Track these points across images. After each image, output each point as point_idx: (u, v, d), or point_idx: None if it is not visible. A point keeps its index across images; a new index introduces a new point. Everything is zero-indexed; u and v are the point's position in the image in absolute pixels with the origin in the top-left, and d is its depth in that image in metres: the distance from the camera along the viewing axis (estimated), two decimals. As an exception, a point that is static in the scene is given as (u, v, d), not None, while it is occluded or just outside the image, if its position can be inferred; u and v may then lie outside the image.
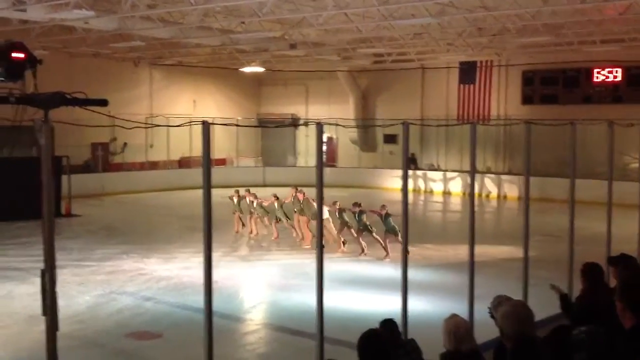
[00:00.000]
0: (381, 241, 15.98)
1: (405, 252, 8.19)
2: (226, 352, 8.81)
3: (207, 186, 6.32)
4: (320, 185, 7.38)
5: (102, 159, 30.15)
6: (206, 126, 6.32)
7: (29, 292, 11.72)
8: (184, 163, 32.58)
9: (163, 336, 10.51)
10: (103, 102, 6.08)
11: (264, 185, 28.52)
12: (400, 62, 31.39)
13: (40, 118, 5.57)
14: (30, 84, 5.58)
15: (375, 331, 4.84)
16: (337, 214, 16.85)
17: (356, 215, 16.40)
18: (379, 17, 20.75)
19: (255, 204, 18.56)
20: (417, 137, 31.34)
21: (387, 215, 15.97)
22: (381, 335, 4.84)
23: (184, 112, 30.73)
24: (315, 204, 14.80)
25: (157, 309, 12.02)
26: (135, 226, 21.72)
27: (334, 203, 16.90)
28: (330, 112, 32.15)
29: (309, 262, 10.96)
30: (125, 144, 31.00)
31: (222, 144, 30.42)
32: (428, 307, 11.14)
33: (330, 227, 16.64)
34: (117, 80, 30.78)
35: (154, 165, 32.07)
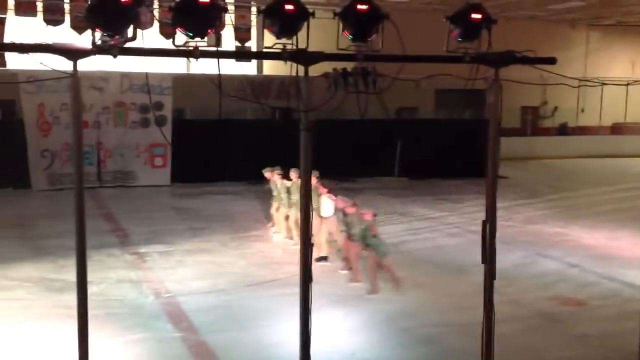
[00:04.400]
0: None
1: None
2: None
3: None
4: None
5: (531, 123, 30.24)
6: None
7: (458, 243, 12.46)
8: (616, 129, 30.76)
9: (587, 305, 10.21)
10: (551, 60, 6.06)
11: None
12: None
13: (491, 76, 5.80)
14: (484, 42, 5.81)
15: None
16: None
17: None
18: None
19: None
20: None
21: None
22: None
23: (620, 74, 28.86)
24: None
25: (582, 277, 11.70)
26: (559, 190, 21.35)
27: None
28: None
29: None
30: (555, 107, 30.52)
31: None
32: None
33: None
34: (551, 42, 30.23)
35: (583, 130, 30.99)
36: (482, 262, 5.80)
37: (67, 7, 20.27)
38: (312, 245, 5.70)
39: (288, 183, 12.85)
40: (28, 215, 15.64)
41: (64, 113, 18.68)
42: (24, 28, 19.96)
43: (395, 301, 10.03)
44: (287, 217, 13.10)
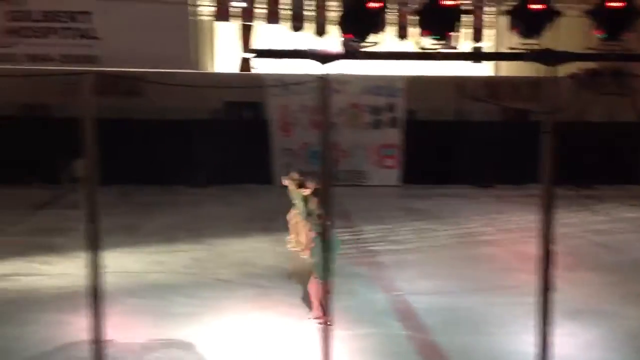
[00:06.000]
0: None
1: None
2: None
3: None
4: None
5: None
6: None
7: None
8: None
9: None
10: None
11: None
12: None
13: None
14: None
15: None
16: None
17: None
18: None
19: None
20: None
21: None
22: None
23: None
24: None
25: None
26: None
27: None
28: None
29: None
30: None
31: None
32: None
33: None
34: None
35: None
36: None
37: (309, 14, 21.46)
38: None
39: (305, 191, 12.09)
40: (270, 210, 16.80)
41: (304, 115, 19.78)
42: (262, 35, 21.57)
43: (637, 317, 9.29)
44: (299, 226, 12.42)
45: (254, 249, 13.01)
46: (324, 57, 4.90)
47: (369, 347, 8.40)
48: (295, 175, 12.50)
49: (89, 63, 21.89)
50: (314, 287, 9.14)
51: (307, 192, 11.96)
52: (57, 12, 22.15)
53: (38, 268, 11.54)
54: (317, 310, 9.09)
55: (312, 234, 9.71)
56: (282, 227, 14.65)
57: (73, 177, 13.90)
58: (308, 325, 8.81)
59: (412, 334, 8.80)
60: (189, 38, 22.37)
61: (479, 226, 15.06)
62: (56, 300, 9.81)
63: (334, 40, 21.96)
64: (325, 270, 8.88)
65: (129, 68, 21.11)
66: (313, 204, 11.30)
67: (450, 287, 10.71)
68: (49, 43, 22.32)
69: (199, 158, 19.05)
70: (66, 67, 21.71)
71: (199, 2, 22.79)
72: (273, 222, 15.07)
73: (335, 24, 21.74)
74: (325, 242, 9.08)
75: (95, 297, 4.42)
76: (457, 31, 5.39)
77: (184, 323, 9.10)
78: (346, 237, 13.77)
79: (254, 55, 21.16)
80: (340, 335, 8.44)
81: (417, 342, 8.56)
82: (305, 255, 10.57)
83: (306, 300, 9.56)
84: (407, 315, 9.48)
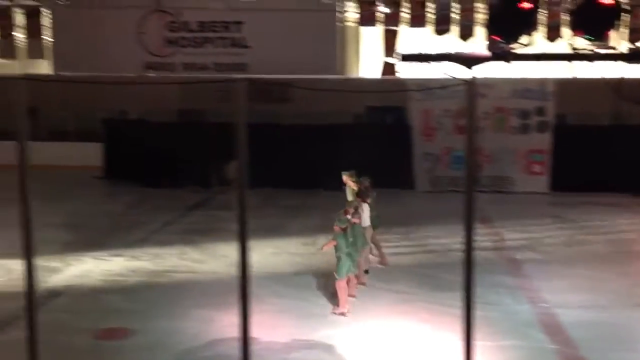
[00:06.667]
0: None
1: None
2: None
3: None
4: None
5: None
6: None
7: None
8: None
9: None
10: None
11: None
12: None
13: None
14: None
15: None
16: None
17: None
18: None
19: None
20: None
21: None
22: None
23: None
24: None
25: None
26: None
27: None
28: None
29: None
30: None
31: None
32: None
33: None
34: None
35: None
36: None
37: (454, 17, 21.16)
38: None
39: (352, 185, 11.71)
40: (412, 215, 16.71)
41: (447, 119, 19.51)
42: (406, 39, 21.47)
43: None
44: None
45: (394, 254, 12.99)
46: (472, 60, 4.80)
47: (515, 359, 8.14)
48: (353, 174, 12.08)
49: (239, 70, 22.91)
50: (341, 284, 9.45)
51: (352, 185, 11.74)
52: (213, 23, 23.33)
53: (191, 266, 12.17)
54: (343, 306, 9.47)
55: (336, 229, 9.51)
56: (425, 232, 14.56)
57: (224, 180, 14.54)
58: (449, 334, 8.68)
59: (559, 348, 8.43)
60: (336, 44, 22.78)
61: (632, 237, 14.15)
62: (207, 297, 10.30)
63: (479, 43, 21.55)
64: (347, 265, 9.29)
65: (276, 74, 21.86)
66: (355, 202, 11.05)
67: (600, 300, 10.16)
68: (204, 52, 23.57)
69: (342, 162, 19.26)
70: (218, 74, 22.84)
71: (345, 9, 23.16)
72: (413, 227, 15.00)
73: (481, 26, 21.37)
74: (347, 238, 9.43)
75: (243, 295, 4.60)
76: (617, 30, 5.12)
77: (325, 324, 9.25)
78: (488, 244, 13.44)
79: (399, 59, 21.14)
80: (483, 346, 8.24)
81: (564, 357, 8.19)
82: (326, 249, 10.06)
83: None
84: (553, 329, 9.09)
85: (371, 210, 11.34)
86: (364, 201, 11.12)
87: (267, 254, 12.65)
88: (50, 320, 8.03)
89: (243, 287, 4.57)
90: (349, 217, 9.70)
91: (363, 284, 10.75)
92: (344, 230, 9.48)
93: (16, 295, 9.98)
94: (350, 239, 9.66)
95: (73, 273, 11.63)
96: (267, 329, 8.61)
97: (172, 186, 18.96)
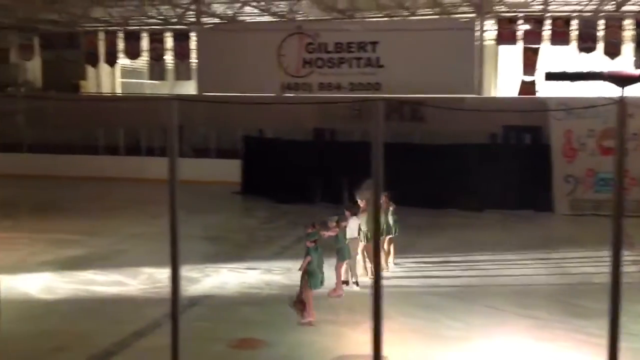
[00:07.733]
0: None
1: None
2: None
3: None
4: None
5: None
6: None
7: None
8: None
9: None
10: None
11: None
12: None
13: None
14: None
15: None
16: None
17: None
18: None
19: None
20: None
21: None
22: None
23: None
24: None
25: None
26: None
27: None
28: None
29: None
30: None
31: None
32: None
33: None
34: None
35: None
36: None
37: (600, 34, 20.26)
38: None
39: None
40: (549, 238, 16.05)
41: (590, 139, 18.61)
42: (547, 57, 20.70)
43: None
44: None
45: (530, 278, 12.51)
46: (624, 80, 4.56)
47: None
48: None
49: (373, 90, 23.06)
50: (308, 294, 9.91)
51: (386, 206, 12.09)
52: (349, 43, 23.68)
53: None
54: (308, 316, 9.83)
55: (308, 244, 10.08)
56: (564, 257, 13.96)
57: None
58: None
59: None
60: (474, 63, 22.42)
61: None
62: (335, 313, 10.38)
63: (626, 61, 20.47)
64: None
65: (409, 94, 21.80)
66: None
67: None
68: (339, 72, 23.94)
69: (475, 182, 18.86)
70: (352, 94, 23.10)
71: (484, 27, 22.76)
72: (553, 251, 14.39)
73: (629, 44, 20.28)
74: (319, 252, 10.03)
75: (376, 312, 4.60)
76: None
77: (454, 346, 9.06)
78: (633, 271, 12.63)
79: (543, 77, 20.46)
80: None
81: None
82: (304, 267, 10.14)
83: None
84: None
85: (394, 221, 12.44)
86: (354, 214, 11.70)
87: (396, 272, 12.59)
88: (188, 327, 8.38)
89: (376, 305, 4.58)
90: (320, 231, 10.55)
91: (339, 296, 11.08)
92: (315, 242, 10.11)
93: (157, 302, 10.65)
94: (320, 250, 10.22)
95: (211, 284, 12.11)
96: (397, 347, 8.54)
97: (305, 202, 19.28)
